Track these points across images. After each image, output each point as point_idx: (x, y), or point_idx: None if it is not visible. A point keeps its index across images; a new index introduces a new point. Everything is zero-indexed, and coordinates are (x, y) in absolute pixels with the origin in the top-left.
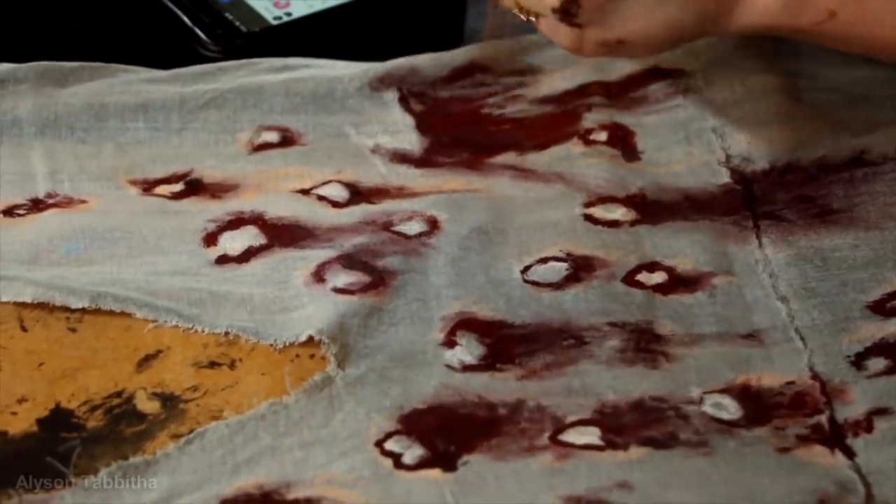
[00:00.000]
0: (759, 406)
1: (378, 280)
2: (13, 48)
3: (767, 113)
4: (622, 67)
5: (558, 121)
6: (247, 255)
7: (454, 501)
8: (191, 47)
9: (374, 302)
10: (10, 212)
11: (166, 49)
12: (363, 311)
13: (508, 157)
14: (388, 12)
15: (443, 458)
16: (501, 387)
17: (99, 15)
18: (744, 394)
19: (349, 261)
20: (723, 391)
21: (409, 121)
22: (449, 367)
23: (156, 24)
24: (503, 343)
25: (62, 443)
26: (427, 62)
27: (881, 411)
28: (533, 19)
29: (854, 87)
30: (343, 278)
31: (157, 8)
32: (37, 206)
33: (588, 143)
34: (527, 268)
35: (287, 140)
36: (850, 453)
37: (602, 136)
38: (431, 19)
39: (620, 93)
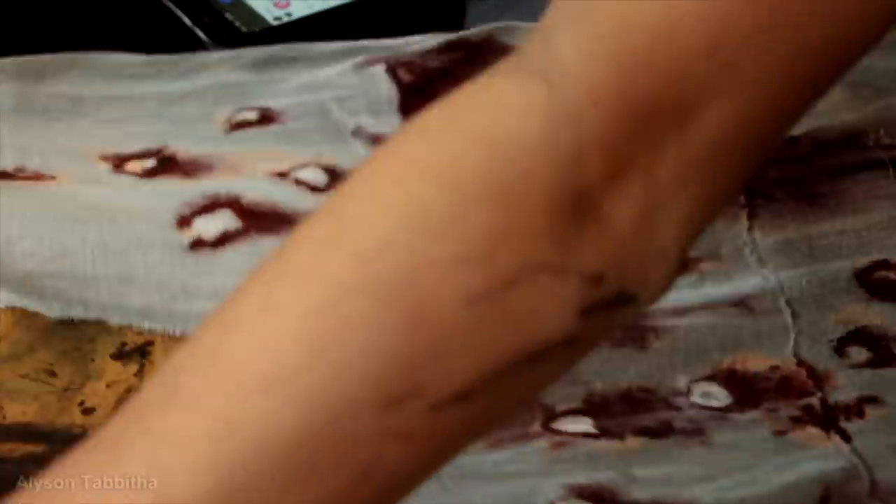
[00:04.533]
0: (747, 390)
1: None
2: (10, 48)
3: None
4: None
5: None
6: (222, 240)
7: (454, 488)
8: (191, 47)
9: None
10: None
11: (166, 49)
12: None
13: None
14: (388, 13)
15: None
16: None
17: (99, 15)
18: (730, 379)
19: None
20: (709, 378)
21: (395, 95)
22: None
23: (156, 25)
24: None
25: None
26: (416, 40)
27: (871, 399)
28: None
29: (860, 74)
30: None
31: (157, 8)
32: (3, 177)
33: None
34: None
35: (265, 118)
36: (845, 437)
37: None
38: (431, 20)
39: None
